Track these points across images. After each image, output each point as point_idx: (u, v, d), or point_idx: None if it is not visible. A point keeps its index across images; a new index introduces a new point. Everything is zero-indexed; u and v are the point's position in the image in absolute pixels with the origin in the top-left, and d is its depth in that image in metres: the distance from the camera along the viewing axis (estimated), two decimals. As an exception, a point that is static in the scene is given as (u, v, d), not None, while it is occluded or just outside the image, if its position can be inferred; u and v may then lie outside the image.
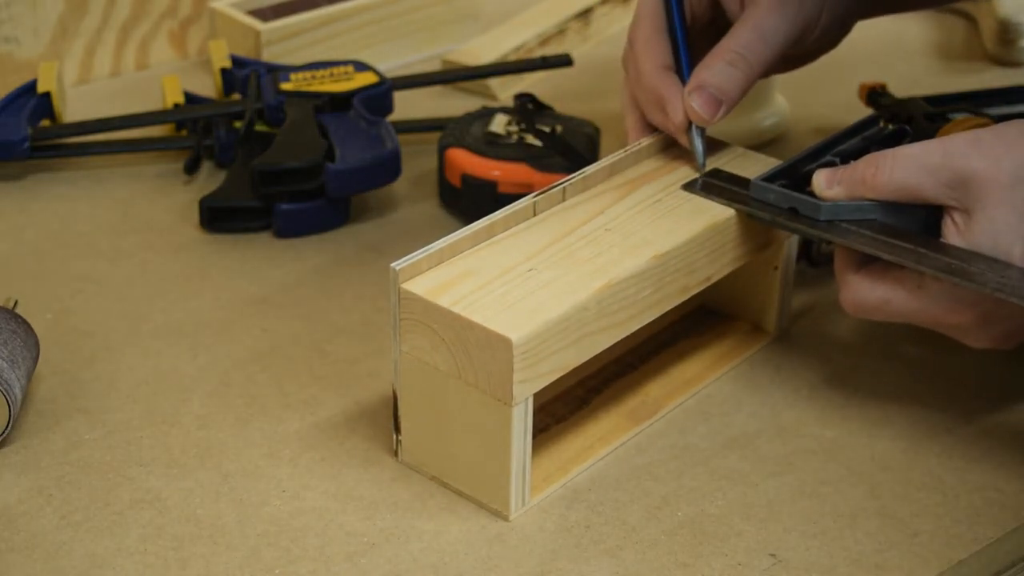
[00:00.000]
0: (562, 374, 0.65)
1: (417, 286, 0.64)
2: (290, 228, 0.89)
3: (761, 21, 0.75)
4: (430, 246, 0.66)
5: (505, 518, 0.65)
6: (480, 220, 0.68)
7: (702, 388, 0.75)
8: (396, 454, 0.69)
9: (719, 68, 0.74)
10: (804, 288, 0.83)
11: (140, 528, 0.65)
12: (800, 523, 0.66)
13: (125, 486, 0.67)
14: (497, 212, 0.69)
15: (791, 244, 0.77)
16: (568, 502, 0.67)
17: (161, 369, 0.76)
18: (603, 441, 0.70)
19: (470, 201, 0.89)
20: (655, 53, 0.77)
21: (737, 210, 0.71)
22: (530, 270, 0.66)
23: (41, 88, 0.99)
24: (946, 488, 0.68)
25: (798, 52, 0.80)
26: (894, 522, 0.66)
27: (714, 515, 0.66)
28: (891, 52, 1.16)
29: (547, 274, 0.66)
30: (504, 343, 0.61)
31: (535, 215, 0.70)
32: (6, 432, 0.69)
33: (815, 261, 0.85)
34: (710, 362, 0.77)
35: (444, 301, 0.63)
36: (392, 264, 0.64)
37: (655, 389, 0.74)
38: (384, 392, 0.74)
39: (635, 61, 0.78)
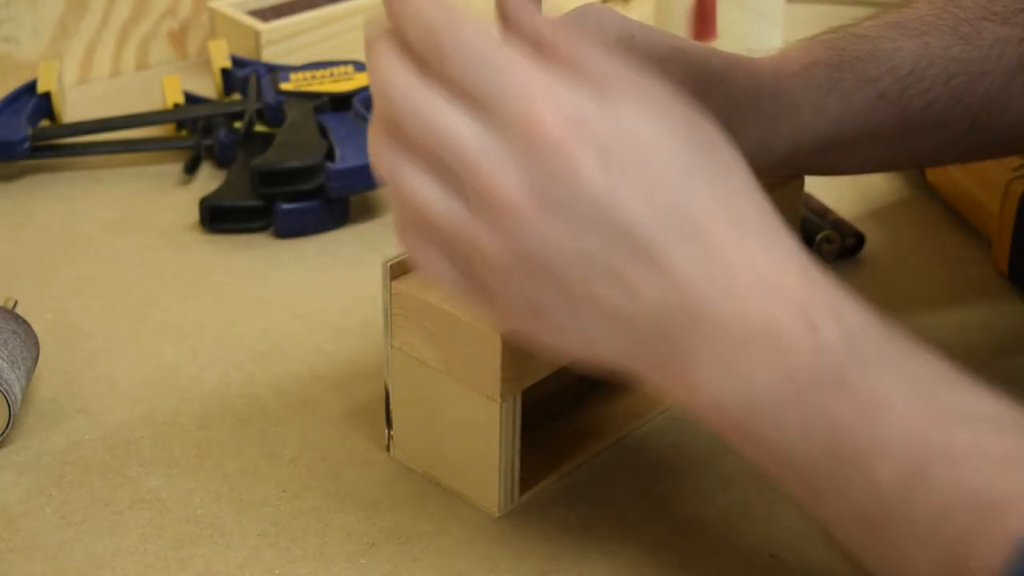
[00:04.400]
0: (552, 371, 0.64)
1: (408, 282, 0.64)
2: (290, 228, 0.89)
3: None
4: None
5: (492, 514, 0.65)
6: None
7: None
8: (388, 449, 0.69)
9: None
10: (804, 288, 0.83)
11: (140, 528, 0.65)
12: (800, 523, 0.66)
13: (125, 486, 0.67)
14: None
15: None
16: (568, 502, 0.67)
17: (161, 369, 0.76)
18: (597, 438, 0.70)
19: (470, 201, 0.89)
20: None
21: None
22: None
23: (41, 88, 0.99)
24: (946, 488, 0.68)
25: None
26: (894, 522, 0.66)
27: (714, 515, 0.66)
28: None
29: None
30: (491, 339, 0.61)
31: None
32: (6, 432, 0.69)
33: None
34: (710, 362, 0.76)
35: (434, 297, 0.63)
36: (384, 260, 0.64)
37: (652, 387, 0.74)
38: (383, 392, 0.74)
39: None
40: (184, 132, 0.99)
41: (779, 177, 0.72)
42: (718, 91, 0.65)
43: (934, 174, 0.91)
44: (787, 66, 0.69)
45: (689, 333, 0.50)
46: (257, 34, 1.08)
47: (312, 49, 1.10)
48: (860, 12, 1.27)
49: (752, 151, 0.65)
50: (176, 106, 1.00)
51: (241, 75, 1.02)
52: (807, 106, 0.67)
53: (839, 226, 0.86)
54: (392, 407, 0.68)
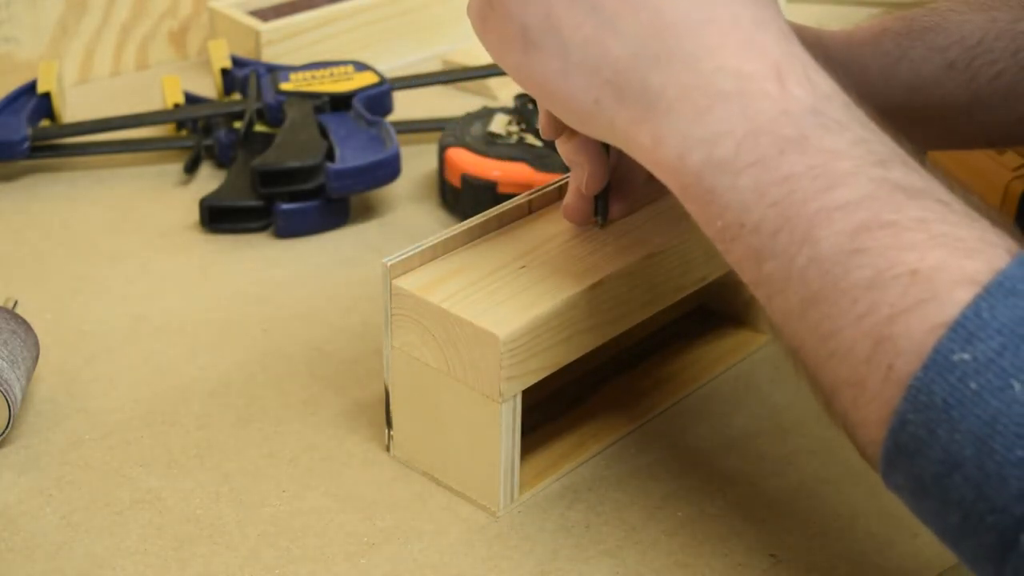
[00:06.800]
0: (552, 371, 0.65)
1: (408, 282, 0.64)
2: (290, 228, 0.89)
3: None
4: (422, 242, 0.66)
5: (493, 513, 0.65)
6: (474, 217, 0.68)
7: (701, 387, 0.75)
8: (388, 449, 0.69)
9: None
10: (804, 288, 0.83)
11: (140, 528, 0.65)
12: (800, 523, 0.66)
13: (125, 486, 0.67)
14: (491, 209, 0.69)
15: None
16: (568, 502, 0.67)
17: (161, 369, 0.76)
18: (597, 439, 0.70)
19: (470, 201, 0.89)
20: None
21: None
22: (522, 267, 0.66)
23: (41, 88, 0.99)
24: (946, 488, 0.68)
25: None
26: (894, 522, 0.66)
27: (714, 515, 0.66)
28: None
29: (539, 271, 0.66)
30: (491, 339, 0.61)
31: (530, 212, 0.71)
32: (6, 432, 0.69)
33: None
34: (710, 362, 0.77)
35: (434, 297, 0.63)
36: (384, 260, 0.64)
37: (653, 388, 0.74)
38: (383, 392, 0.74)
39: None
40: (184, 132, 0.99)
41: None
42: None
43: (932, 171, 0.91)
44: (857, 36, 0.70)
45: (663, 76, 0.52)
46: (257, 34, 1.08)
47: (312, 49, 1.10)
48: (860, 12, 1.27)
49: None
50: (176, 106, 1.00)
51: (241, 75, 1.02)
52: (877, 71, 0.68)
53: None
54: (392, 407, 0.68)
